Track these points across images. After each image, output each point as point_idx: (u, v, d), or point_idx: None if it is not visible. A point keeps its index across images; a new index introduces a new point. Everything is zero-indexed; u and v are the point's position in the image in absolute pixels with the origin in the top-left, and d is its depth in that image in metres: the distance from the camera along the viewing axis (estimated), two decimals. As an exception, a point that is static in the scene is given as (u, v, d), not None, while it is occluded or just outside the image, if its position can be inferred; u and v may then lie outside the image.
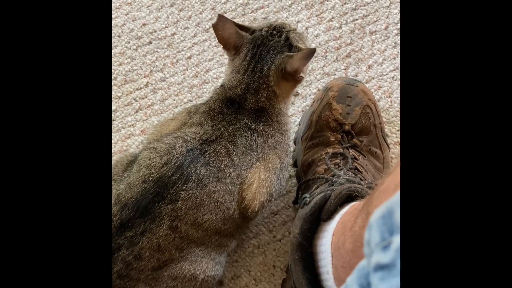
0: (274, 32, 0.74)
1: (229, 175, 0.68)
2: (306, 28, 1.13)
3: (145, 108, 1.04)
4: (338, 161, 0.78)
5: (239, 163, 0.70)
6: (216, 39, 0.75)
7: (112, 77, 1.08)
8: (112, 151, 1.00)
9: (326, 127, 0.85)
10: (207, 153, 0.68)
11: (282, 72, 0.72)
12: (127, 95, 1.06)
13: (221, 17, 0.69)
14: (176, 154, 0.68)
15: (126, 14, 1.16)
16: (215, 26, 0.70)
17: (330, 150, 0.81)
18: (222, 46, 0.74)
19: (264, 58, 0.73)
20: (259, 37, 0.73)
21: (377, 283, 0.32)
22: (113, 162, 0.78)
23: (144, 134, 1.02)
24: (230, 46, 0.72)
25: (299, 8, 1.16)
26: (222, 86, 0.78)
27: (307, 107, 1.01)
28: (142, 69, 1.09)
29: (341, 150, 0.80)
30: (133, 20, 1.15)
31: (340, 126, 0.84)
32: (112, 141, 1.01)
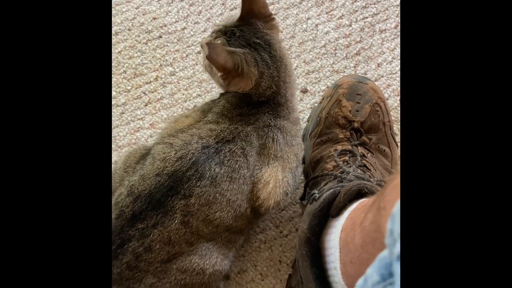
0: (234, 31, 0.74)
1: (242, 175, 0.68)
2: (316, 26, 1.13)
3: (154, 102, 1.05)
4: (347, 158, 0.78)
5: (253, 163, 0.70)
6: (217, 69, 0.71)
7: (122, 70, 1.08)
8: (121, 143, 1.01)
9: (335, 124, 0.85)
10: (222, 152, 0.68)
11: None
12: (136, 88, 1.06)
13: (209, 45, 0.66)
14: (192, 150, 0.68)
15: (136, 8, 1.16)
16: (209, 57, 0.67)
17: (339, 147, 0.81)
18: (223, 75, 0.71)
19: (261, 52, 0.74)
20: (242, 40, 0.73)
21: (400, 273, 0.32)
22: (126, 154, 0.78)
23: (153, 127, 1.02)
24: (230, 69, 0.69)
25: (309, 5, 1.16)
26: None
27: (316, 104, 1.01)
28: (152, 63, 1.09)
29: (350, 147, 0.81)
30: (143, 14, 1.15)
31: (349, 124, 0.84)
32: (121, 134, 1.02)
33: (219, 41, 0.74)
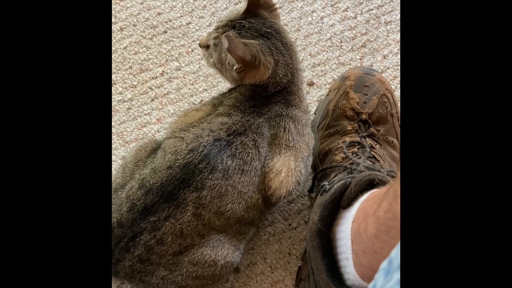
0: (243, 23, 0.74)
1: (254, 167, 0.68)
2: (321, 18, 1.13)
3: (161, 97, 1.05)
4: (356, 149, 0.78)
5: (265, 154, 0.70)
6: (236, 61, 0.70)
7: (128, 66, 1.08)
8: (129, 139, 1.01)
9: (343, 116, 0.85)
10: (234, 144, 0.68)
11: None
12: (142, 84, 1.06)
13: (228, 38, 0.66)
14: (203, 142, 0.67)
15: (141, 3, 1.16)
16: (229, 50, 0.67)
17: (348, 139, 0.81)
18: (240, 67, 0.71)
19: (274, 40, 0.74)
20: (253, 31, 0.72)
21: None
22: (136, 148, 0.78)
23: (160, 122, 1.02)
24: (248, 61, 0.69)
25: (314, -3, 1.16)
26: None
27: (323, 97, 1.01)
28: (157, 58, 1.09)
29: (358, 139, 0.81)
30: (148, 9, 1.15)
31: (357, 115, 0.84)
32: (128, 130, 1.02)
33: (230, 33, 0.74)
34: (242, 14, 0.75)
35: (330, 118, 0.87)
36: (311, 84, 1.06)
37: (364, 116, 0.83)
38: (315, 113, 0.96)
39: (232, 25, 0.74)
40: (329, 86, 1.04)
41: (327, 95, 0.92)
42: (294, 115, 0.73)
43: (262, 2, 0.76)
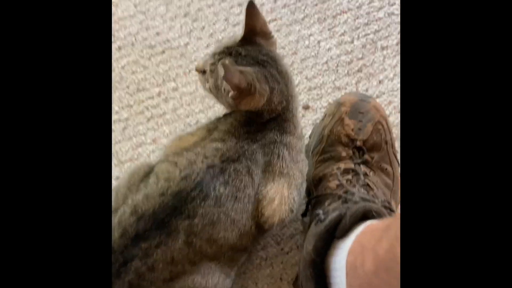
0: (239, 51, 0.74)
1: (248, 194, 0.68)
2: (318, 42, 1.14)
3: (157, 117, 1.05)
4: (350, 177, 0.78)
5: (258, 181, 0.70)
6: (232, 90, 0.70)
7: (125, 85, 1.08)
8: (123, 159, 1.01)
9: (337, 142, 0.85)
10: (227, 171, 0.68)
11: None
12: (139, 103, 1.06)
13: (225, 66, 0.65)
14: (197, 169, 0.67)
15: (140, 23, 1.16)
16: (225, 78, 0.67)
17: (342, 166, 0.81)
18: (237, 94, 0.70)
19: (270, 68, 0.74)
20: (250, 59, 0.73)
21: None
22: (129, 171, 0.78)
23: (156, 143, 1.02)
24: (243, 88, 0.69)
25: (312, 21, 1.17)
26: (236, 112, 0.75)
27: (318, 121, 1.02)
28: (154, 78, 1.09)
29: (352, 166, 0.81)
30: (146, 29, 1.16)
31: (352, 142, 0.84)
32: (124, 150, 1.02)
33: (227, 61, 0.74)
34: (239, 42, 0.76)
35: (325, 144, 0.87)
36: (306, 107, 1.06)
37: (358, 143, 0.83)
38: (310, 137, 0.96)
39: (228, 52, 0.74)
40: (324, 110, 1.04)
41: (323, 119, 0.92)
42: (288, 142, 0.73)
43: (258, 30, 0.76)
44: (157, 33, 1.15)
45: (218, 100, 0.80)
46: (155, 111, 1.05)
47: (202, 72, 0.81)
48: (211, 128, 0.76)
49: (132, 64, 1.11)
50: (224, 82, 0.70)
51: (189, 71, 1.10)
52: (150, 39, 1.14)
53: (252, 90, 0.70)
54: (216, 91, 0.77)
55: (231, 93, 0.71)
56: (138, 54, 1.12)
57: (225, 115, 0.78)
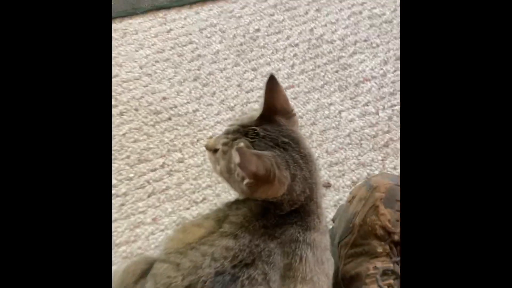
0: (257, 131, 0.65)
1: None
2: (339, 112, 1.05)
3: (159, 193, 0.93)
4: (391, 281, 0.66)
5: None
6: (247, 176, 0.62)
7: (125, 155, 0.97)
8: (119, 241, 0.88)
9: (372, 235, 0.73)
10: (239, 280, 0.56)
11: None
12: (140, 176, 0.95)
13: (240, 152, 0.58)
14: (203, 276, 0.55)
15: (145, 86, 1.07)
16: (241, 166, 0.60)
17: (379, 265, 0.68)
18: (253, 182, 0.62)
19: (291, 152, 0.64)
20: (269, 140, 0.64)
21: None
22: (123, 268, 0.65)
23: (156, 222, 0.89)
24: (261, 176, 0.61)
25: (332, 89, 1.08)
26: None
27: (341, 201, 0.90)
28: (158, 147, 0.98)
29: (391, 265, 0.68)
30: (152, 93, 1.06)
31: (389, 235, 0.72)
32: (120, 230, 0.89)
33: (241, 144, 0.64)
34: (257, 120, 0.67)
35: (356, 235, 0.74)
36: (327, 186, 0.95)
37: (396, 237, 0.71)
38: (333, 221, 0.84)
39: (244, 131, 0.66)
40: (348, 190, 0.93)
41: (349, 202, 0.81)
42: (312, 240, 0.63)
43: (279, 107, 0.68)
44: (164, 98, 1.05)
45: (230, 185, 0.69)
46: (157, 186, 0.93)
47: (213, 150, 0.71)
48: (221, 217, 0.65)
49: (134, 131, 1.00)
50: (238, 168, 0.62)
51: (197, 140, 1.00)
52: (156, 104, 1.04)
53: (270, 178, 0.61)
54: (228, 175, 0.67)
55: (246, 181, 0.62)
56: (142, 121, 1.02)
57: (237, 202, 0.67)
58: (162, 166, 0.96)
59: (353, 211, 0.78)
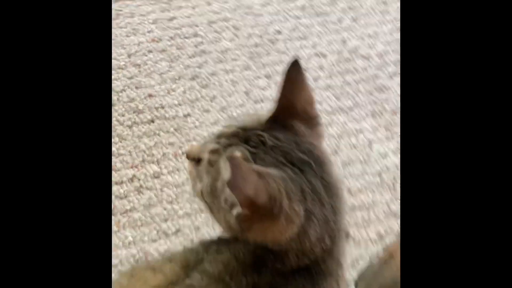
0: (263, 138, 0.47)
1: None
2: (370, 142, 0.83)
3: (120, 214, 0.70)
4: None
5: None
6: (242, 203, 0.43)
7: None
8: None
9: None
10: None
11: None
12: (99, 188, 0.71)
13: (233, 162, 0.40)
14: None
15: (129, 78, 0.86)
16: (231, 184, 0.42)
17: None
18: (247, 213, 0.44)
19: (310, 177, 0.45)
20: (279, 154, 0.46)
21: None
22: None
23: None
24: (262, 204, 0.42)
25: (363, 114, 0.87)
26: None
27: (362, 260, 0.69)
28: (131, 155, 0.77)
29: None
30: (137, 87, 0.85)
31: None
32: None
33: (236, 152, 0.45)
34: (265, 123, 0.49)
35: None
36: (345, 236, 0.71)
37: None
38: (355, 286, 0.68)
39: (245, 137, 0.48)
40: (373, 244, 0.72)
41: (385, 263, 0.64)
42: None
43: (299, 109, 0.49)
44: (150, 95, 0.84)
45: (213, 215, 0.50)
46: (120, 204, 0.72)
47: (196, 161, 0.51)
48: (191, 263, 0.47)
49: None
50: (228, 189, 0.44)
51: (183, 153, 0.77)
52: (138, 101, 0.83)
53: (275, 211, 0.43)
54: (211, 199, 0.49)
55: (237, 210, 0.44)
56: (116, 118, 0.80)
57: (219, 242, 0.50)
58: (131, 180, 0.74)
59: (393, 275, 0.61)
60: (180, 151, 0.78)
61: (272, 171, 0.43)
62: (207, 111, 0.84)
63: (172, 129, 0.80)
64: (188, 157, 0.53)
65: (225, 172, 0.40)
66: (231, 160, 0.40)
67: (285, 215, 0.43)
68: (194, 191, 0.51)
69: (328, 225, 0.46)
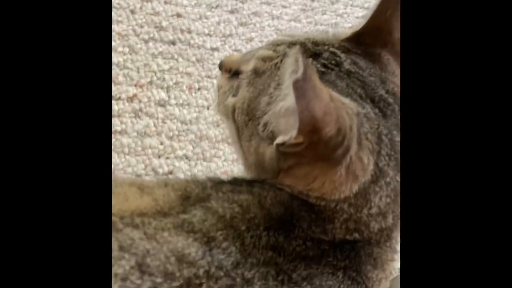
0: (339, 57, 0.38)
1: None
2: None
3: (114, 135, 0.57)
4: None
5: None
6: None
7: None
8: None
9: None
10: None
11: None
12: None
13: (306, 67, 0.30)
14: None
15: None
16: (299, 92, 0.31)
17: None
18: (301, 143, 0.33)
19: (393, 120, 0.36)
20: (357, 83, 0.37)
21: None
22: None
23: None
24: (324, 136, 0.32)
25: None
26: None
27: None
28: (138, 72, 0.64)
29: None
30: (166, 2, 0.71)
31: None
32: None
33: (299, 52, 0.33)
34: (345, 41, 0.40)
35: None
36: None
37: None
38: None
39: (315, 51, 0.38)
40: None
41: None
42: None
43: (394, 37, 0.39)
44: (178, 15, 0.71)
45: (239, 142, 0.40)
46: (113, 123, 0.58)
47: (232, 73, 0.42)
48: (194, 196, 0.36)
49: (116, 36, 0.67)
50: (281, 106, 0.34)
51: (199, 88, 0.65)
52: (164, 17, 0.71)
53: (337, 152, 0.33)
54: (245, 119, 0.39)
55: (288, 136, 0.33)
56: (133, 28, 0.67)
57: (238, 182, 0.38)
58: (130, 99, 0.62)
59: None
60: (197, 85, 0.65)
61: (347, 100, 0.33)
62: (238, 51, 0.71)
63: (194, 59, 0.67)
64: (222, 66, 0.43)
65: (298, 72, 0.29)
66: (301, 58, 0.28)
67: (348, 163, 0.32)
68: (220, 108, 0.41)
69: (396, 200, 0.35)
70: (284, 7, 0.79)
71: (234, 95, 0.40)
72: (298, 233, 0.34)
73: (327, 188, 0.34)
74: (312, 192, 0.34)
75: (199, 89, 0.65)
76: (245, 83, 0.39)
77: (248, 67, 0.39)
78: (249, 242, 0.34)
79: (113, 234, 0.33)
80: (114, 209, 0.34)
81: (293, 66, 0.31)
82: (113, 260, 0.31)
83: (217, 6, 0.74)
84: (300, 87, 0.31)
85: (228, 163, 0.60)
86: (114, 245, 0.32)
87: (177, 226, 0.34)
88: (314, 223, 0.35)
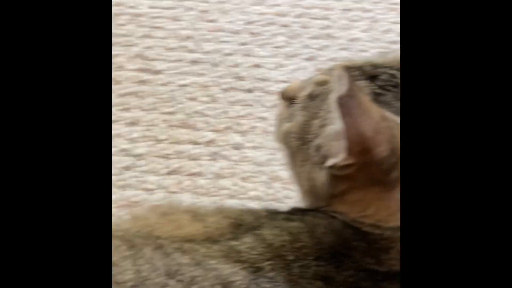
0: (395, 76, 0.38)
1: None
2: None
3: (183, 175, 0.61)
4: None
5: None
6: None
7: (170, 110, 0.71)
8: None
9: None
10: None
11: None
12: (172, 143, 0.66)
13: (351, 84, 0.32)
14: None
15: (241, 44, 0.81)
16: (344, 109, 0.33)
17: None
18: (351, 165, 0.34)
19: None
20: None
21: None
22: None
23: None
24: (376, 158, 0.33)
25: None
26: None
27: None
28: (216, 118, 0.69)
29: None
30: (245, 55, 0.78)
31: None
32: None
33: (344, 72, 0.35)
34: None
35: None
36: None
37: None
38: None
39: (373, 73, 0.39)
40: None
41: None
42: None
43: None
44: (256, 65, 0.76)
45: (294, 167, 0.41)
46: (187, 165, 0.63)
47: (289, 100, 0.43)
48: (246, 224, 0.37)
49: (198, 88, 0.75)
50: (329, 129, 0.35)
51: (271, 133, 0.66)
52: (242, 67, 0.76)
53: (392, 175, 0.33)
54: (299, 142, 0.40)
55: (338, 158, 0.34)
56: (214, 80, 0.73)
57: (291, 211, 0.39)
58: (208, 143, 0.65)
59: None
60: (270, 129, 0.67)
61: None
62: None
63: (269, 104, 0.70)
64: (283, 96, 0.44)
65: (339, 86, 0.31)
66: (345, 76, 0.31)
67: None
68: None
69: None
70: (362, 51, 0.79)
71: (290, 120, 0.41)
72: (349, 264, 0.34)
73: (382, 215, 0.34)
74: (367, 219, 0.34)
75: (271, 133, 0.67)
76: (299, 107, 0.40)
77: (304, 93, 0.41)
78: (297, 272, 0.33)
79: (162, 258, 0.34)
80: (166, 235, 0.36)
81: (337, 85, 0.31)
82: (158, 286, 0.32)
83: (294, 55, 0.78)
84: (344, 103, 0.31)
85: (300, 204, 0.60)
86: (161, 270, 0.33)
87: (225, 253, 0.34)
88: (368, 253, 0.34)
